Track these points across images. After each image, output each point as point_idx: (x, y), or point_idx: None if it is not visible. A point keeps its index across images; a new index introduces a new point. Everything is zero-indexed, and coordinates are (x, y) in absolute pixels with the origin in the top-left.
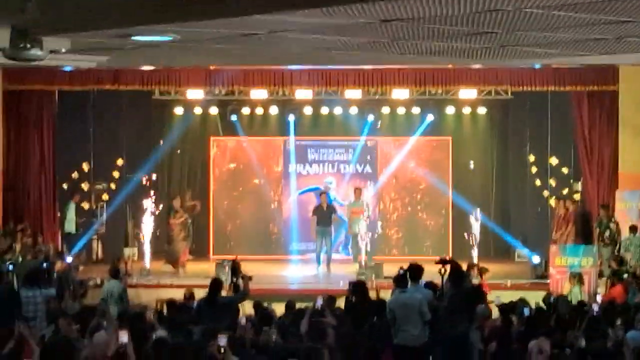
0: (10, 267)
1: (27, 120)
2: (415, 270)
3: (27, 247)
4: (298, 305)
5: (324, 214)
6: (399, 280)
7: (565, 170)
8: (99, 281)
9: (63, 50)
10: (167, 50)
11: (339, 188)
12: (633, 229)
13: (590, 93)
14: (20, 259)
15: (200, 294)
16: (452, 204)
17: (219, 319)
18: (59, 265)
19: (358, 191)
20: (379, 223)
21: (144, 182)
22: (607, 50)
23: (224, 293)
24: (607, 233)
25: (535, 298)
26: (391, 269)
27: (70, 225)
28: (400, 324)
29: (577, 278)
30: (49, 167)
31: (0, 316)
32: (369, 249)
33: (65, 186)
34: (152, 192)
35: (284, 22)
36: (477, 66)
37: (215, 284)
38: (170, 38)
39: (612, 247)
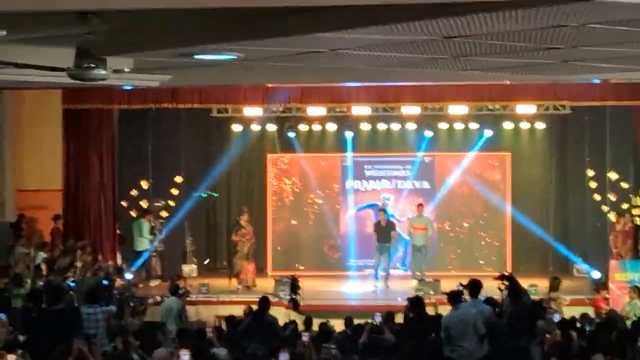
0: (71, 284)
1: (86, 139)
2: (474, 286)
3: (87, 264)
4: (357, 321)
5: (383, 230)
6: (452, 297)
7: (625, 185)
8: (158, 298)
9: (126, 69)
10: (229, 69)
11: (397, 204)
12: None
13: None
14: (80, 276)
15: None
16: (511, 220)
17: (267, 336)
18: (119, 282)
19: (420, 207)
20: (437, 238)
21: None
22: None
23: (282, 309)
24: None
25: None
26: (449, 285)
27: (143, 244)
28: (455, 340)
29: (638, 292)
30: (109, 185)
31: (61, 333)
32: (425, 265)
33: (124, 204)
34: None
35: (347, 40)
36: (535, 81)
37: (264, 303)
38: (234, 57)
39: None
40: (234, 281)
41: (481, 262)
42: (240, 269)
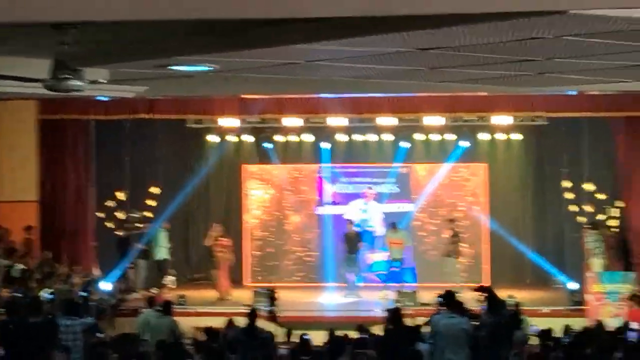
0: (49, 296)
1: (62, 150)
2: (451, 297)
3: (65, 275)
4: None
5: (351, 241)
6: (450, 305)
7: (601, 196)
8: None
9: (102, 80)
10: (205, 80)
11: (373, 215)
12: None
13: (628, 119)
14: (58, 287)
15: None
16: (489, 231)
17: (256, 349)
18: (96, 294)
19: (393, 227)
20: (413, 249)
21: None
22: None
23: (260, 321)
24: None
25: (572, 324)
26: (426, 296)
27: (161, 252)
28: (443, 349)
29: None
30: (86, 196)
31: (39, 345)
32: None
33: (101, 215)
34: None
35: (323, 51)
36: (511, 93)
37: (253, 315)
38: (210, 68)
39: None
40: (213, 292)
41: (459, 273)
42: (216, 280)
